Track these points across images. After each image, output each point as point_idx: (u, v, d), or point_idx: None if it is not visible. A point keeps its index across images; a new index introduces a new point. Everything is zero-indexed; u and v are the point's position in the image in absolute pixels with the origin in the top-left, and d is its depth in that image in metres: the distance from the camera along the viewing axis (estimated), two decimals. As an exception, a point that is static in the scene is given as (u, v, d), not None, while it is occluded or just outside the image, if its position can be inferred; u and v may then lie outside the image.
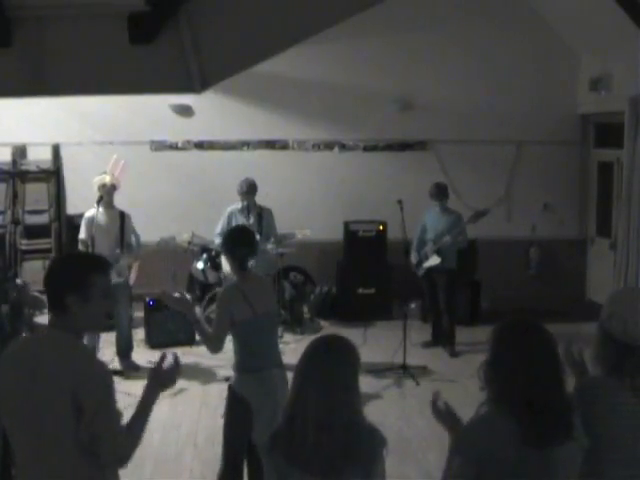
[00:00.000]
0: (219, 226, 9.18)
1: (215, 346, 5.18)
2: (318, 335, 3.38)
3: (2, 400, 3.20)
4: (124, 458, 3.27)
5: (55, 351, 3.17)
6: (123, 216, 8.75)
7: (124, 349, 8.90)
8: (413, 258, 9.71)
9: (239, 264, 5.31)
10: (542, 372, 3.08)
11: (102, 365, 3.29)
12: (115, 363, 8.85)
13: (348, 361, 3.16)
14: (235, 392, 5.17)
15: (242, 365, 5.20)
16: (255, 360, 5.15)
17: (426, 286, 9.87)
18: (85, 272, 3.26)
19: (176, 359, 3.49)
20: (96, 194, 8.52)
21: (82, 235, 8.61)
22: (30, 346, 3.31)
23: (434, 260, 9.48)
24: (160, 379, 3.47)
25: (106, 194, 8.56)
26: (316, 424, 3.01)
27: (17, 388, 3.14)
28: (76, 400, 3.07)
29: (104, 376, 3.22)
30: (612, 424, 3.31)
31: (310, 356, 3.16)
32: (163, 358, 3.52)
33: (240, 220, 9.04)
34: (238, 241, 5.39)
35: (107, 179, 8.56)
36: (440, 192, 9.61)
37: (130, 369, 8.75)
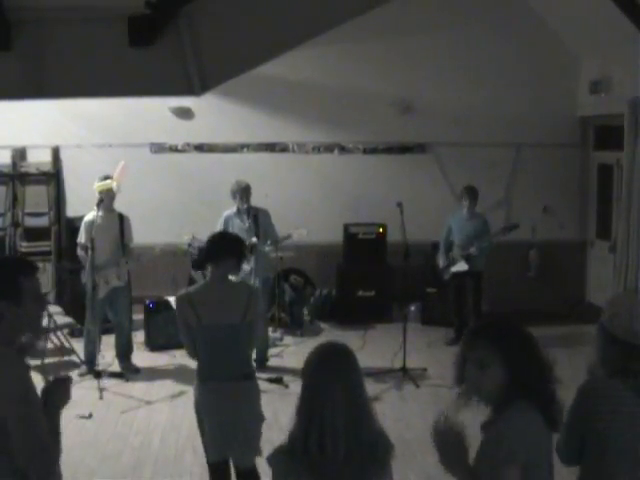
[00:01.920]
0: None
1: (186, 349, 5.24)
2: (319, 341, 3.36)
3: None
4: (51, 471, 3.14)
5: None
6: (122, 219, 8.75)
7: (124, 352, 8.89)
8: (441, 262, 9.84)
9: (210, 270, 5.22)
10: (545, 365, 3.15)
11: (15, 375, 3.11)
12: (115, 366, 8.86)
13: (354, 368, 3.14)
14: (194, 401, 5.15)
15: (197, 373, 5.14)
16: (209, 370, 5.03)
17: (452, 288, 10.03)
18: (13, 277, 3.16)
19: (63, 379, 3.41)
20: (96, 197, 8.51)
21: (81, 239, 8.59)
22: None
23: (462, 266, 9.69)
24: (54, 397, 3.32)
25: (109, 198, 8.56)
26: (338, 435, 2.99)
27: None
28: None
29: (20, 387, 3.09)
30: (615, 425, 3.31)
31: (312, 369, 3.14)
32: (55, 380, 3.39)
33: (237, 224, 8.99)
34: (214, 252, 5.21)
35: (113, 184, 8.55)
36: (470, 195, 9.78)
37: (130, 371, 8.75)
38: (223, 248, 5.16)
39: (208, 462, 5.18)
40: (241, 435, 4.98)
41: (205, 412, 5.03)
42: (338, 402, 3.00)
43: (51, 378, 3.40)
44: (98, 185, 8.54)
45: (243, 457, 5.05)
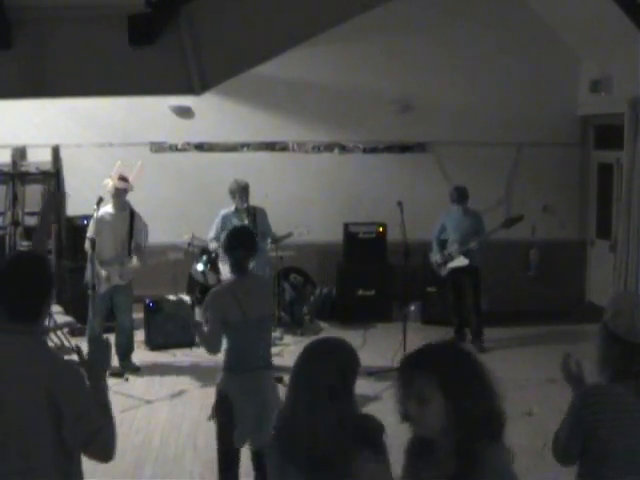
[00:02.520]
0: (213, 231, 9.13)
1: (211, 347, 5.25)
2: (316, 337, 3.40)
3: None
4: (113, 449, 3.21)
5: (26, 354, 3.13)
6: (133, 215, 8.72)
7: (124, 350, 8.88)
8: (438, 258, 9.84)
9: (235, 265, 5.34)
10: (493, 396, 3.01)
11: (70, 363, 3.24)
12: (115, 364, 8.84)
13: (332, 362, 3.16)
14: (220, 391, 5.21)
15: (229, 365, 5.23)
16: (242, 361, 5.17)
17: (450, 285, 10.02)
18: (50, 271, 3.35)
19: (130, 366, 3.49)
20: (96, 196, 8.49)
21: (90, 233, 8.55)
22: None
23: (461, 261, 9.66)
24: (92, 365, 3.35)
25: (117, 197, 8.58)
26: (306, 424, 3.03)
27: None
28: (54, 405, 3.04)
29: (76, 374, 3.18)
30: (617, 431, 3.30)
31: (298, 359, 3.21)
32: (79, 350, 3.41)
33: (235, 223, 8.95)
34: (236, 243, 5.40)
35: (124, 185, 8.60)
36: (461, 196, 9.78)
37: (130, 370, 8.74)
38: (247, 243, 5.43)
39: (234, 447, 5.22)
40: (269, 419, 5.18)
41: (240, 401, 5.12)
42: (300, 393, 3.10)
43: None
44: (109, 187, 8.56)
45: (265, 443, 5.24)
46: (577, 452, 3.44)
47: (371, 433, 3.14)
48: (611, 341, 3.40)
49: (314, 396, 3.05)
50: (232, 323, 5.12)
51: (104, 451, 3.18)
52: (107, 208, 8.58)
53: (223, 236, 8.90)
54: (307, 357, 3.19)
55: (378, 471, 3.08)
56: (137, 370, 8.80)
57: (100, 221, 8.47)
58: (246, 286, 5.26)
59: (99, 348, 3.41)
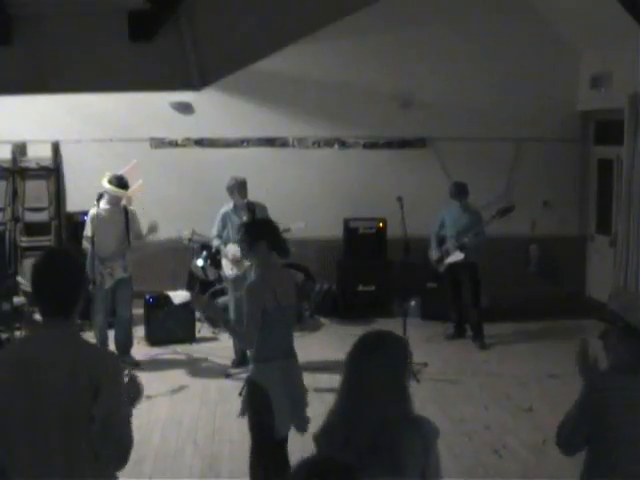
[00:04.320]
0: (215, 228, 9.13)
1: (250, 340, 5.29)
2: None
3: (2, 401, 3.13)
4: (126, 458, 3.28)
5: (65, 344, 3.17)
6: (126, 212, 8.75)
7: (124, 345, 8.88)
8: (434, 254, 9.84)
9: (283, 250, 5.47)
10: None
11: (113, 353, 3.32)
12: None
13: (384, 356, 3.13)
14: (254, 382, 5.22)
15: (263, 355, 5.25)
16: (274, 350, 5.23)
17: (448, 281, 10.01)
18: (82, 263, 3.43)
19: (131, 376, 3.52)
20: (97, 192, 8.52)
21: (87, 232, 8.60)
22: (36, 345, 3.23)
23: (457, 256, 9.65)
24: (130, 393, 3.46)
25: (117, 199, 8.59)
26: (358, 420, 3.02)
27: (20, 388, 3.09)
28: (94, 386, 3.08)
29: (118, 365, 3.27)
30: (627, 418, 3.35)
31: (350, 352, 3.18)
32: (127, 374, 3.51)
33: (234, 220, 8.92)
34: (272, 231, 5.51)
35: (127, 194, 8.66)
36: (460, 191, 9.79)
37: (130, 365, 8.74)
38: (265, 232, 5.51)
39: (273, 439, 5.20)
40: (301, 402, 5.37)
41: (276, 391, 5.15)
42: (363, 390, 3.06)
43: (127, 373, 3.52)
44: (114, 189, 8.54)
45: (304, 421, 5.32)
46: (583, 438, 3.47)
47: (427, 439, 3.12)
48: (622, 333, 3.44)
49: (366, 391, 3.04)
50: (269, 312, 5.18)
51: (118, 453, 3.24)
52: (102, 204, 8.57)
53: (225, 234, 8.97)
54: (357, 351, 3.16)
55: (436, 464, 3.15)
56: (137, 365, 8.80)
57: (97, 218, 8.49)
58: (277, 276, 5.38)
59: (134, 384, 3.50)
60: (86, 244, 8.56)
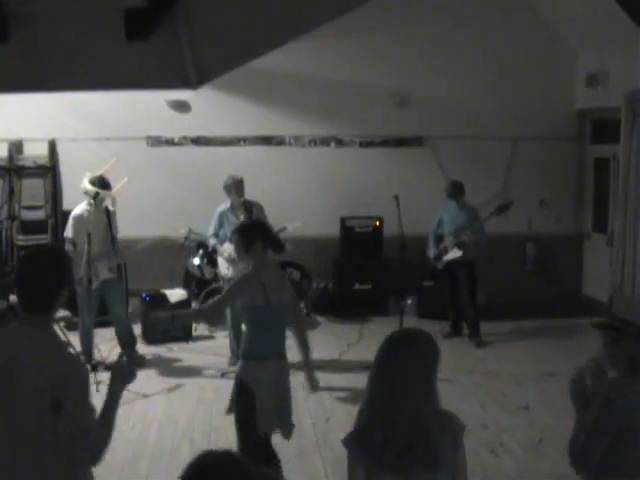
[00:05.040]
0: (211, 227, 9.12)
1: (209, 315, 5.31)
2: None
3: None
4: (99, 454, 3.20)
5: (33, 348, 3.17)
6: (108, 212, 8.66)
7: (128, 341, 8.77)
8: (431, 252, 9.85)
9: (278, 246, 5.56)
10: None
11: (79, 361, 3.30)
12: (111, 359, 8.82)
13: (413, 356, 3.14)
14: (241, 380, 5.24)
15: (249, 352, 5.28)
16: (263, 349, 5.23)
17: (446, 279, 10.02)
18: (68, 262, 3.44)
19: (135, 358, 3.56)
20: (91, 193, 8.43)
21: (68, 234, 8.48)
22: (6, 343, 3.27)
23: (455, 253, 9.67)
24: (123, 375, 3.48)
25: (99, 200, 8.48)
26: (405, 422, 3.03)
27: None
28: (54, 397, 3.07)
29: (82, 373, 3.25)
30: (637, 426, 3.36)
31: (379, 352, 3.17)
32: (122, 357, 3.56)
33: (231, 219, 8.92)
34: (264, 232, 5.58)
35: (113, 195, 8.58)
36: (456, 190, 9.81)
37: (134, 362, 8.63)
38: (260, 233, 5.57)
39: (258, 436, 5.23)
40: (287, 407, 5.38)
41: (262, 389, 5.17)
42: (385, 389, 3.07)
43: (123, 358, 3.58)
44: (104, 192, 8.46)
45: (289, 427, 5.39)
46: (600, 455, 3.47)
47: (455, 435, 3.15)
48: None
49: (400, 390, 3.04)
50: (257, 307, 5.20)
51: (90, 453, 3.18)
52: (83, 205, 8.45)
53: (222, 233, 8.96)
54: (388, 350, 3.16)
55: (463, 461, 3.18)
56: (143, 360, 8.73)
57: (80, 219, 8.39)
58: (269, 273, 5.39)
59: (126, 368, 3.51)
60: (69, 246, 8.39)
